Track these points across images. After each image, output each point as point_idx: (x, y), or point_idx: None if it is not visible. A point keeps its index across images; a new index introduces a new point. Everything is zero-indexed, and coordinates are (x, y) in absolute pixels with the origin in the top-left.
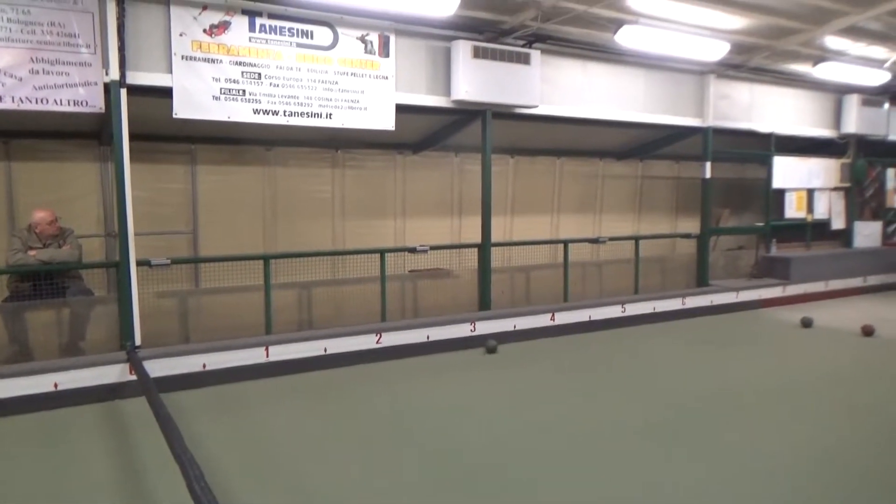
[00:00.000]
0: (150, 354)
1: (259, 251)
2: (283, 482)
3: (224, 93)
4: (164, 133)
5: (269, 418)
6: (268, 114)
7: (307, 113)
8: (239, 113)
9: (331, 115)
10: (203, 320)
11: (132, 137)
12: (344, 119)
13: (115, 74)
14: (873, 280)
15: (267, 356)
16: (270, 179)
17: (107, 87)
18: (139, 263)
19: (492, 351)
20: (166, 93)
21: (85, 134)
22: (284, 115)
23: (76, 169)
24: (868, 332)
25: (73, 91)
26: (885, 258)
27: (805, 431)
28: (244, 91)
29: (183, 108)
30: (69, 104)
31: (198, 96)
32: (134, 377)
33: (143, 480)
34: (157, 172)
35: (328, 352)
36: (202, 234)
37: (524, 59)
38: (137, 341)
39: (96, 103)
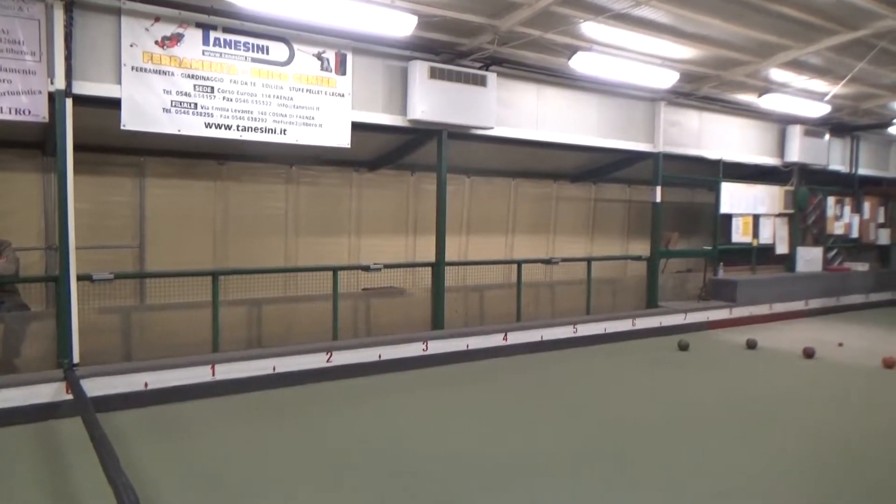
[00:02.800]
0: (88, 373)
1: (209, 267)
2: None
3: (175, 105)
4: (111, 145)
5: (213, 440)
6: (220, 128)
7: (261, 128)
8: (190, 126)
9: (285, 130)
10: (147, 337)
11: (78, 148)
12: (299, 135)
13: (60, 84)
14: (814, 303)
15: (213, 375)
16: (222, 194)
17: (52, 96)
18: (80, 278)
19: (684, 348)
20: (115, 104)
21: (28, 144)
22: (237, 129)
23: (17, 179)
24: (809, 354)
25: (16, 99)
26: (826, 282)
27: (753, 453)
28: (196, 104)
29: (132, 121)
30: (10, 112)
31: (148, 108)
32: (70, 396)
33: None
34: (103, 185)
35: (277, 371)
36: (149, 249)
37: (480, 81)
38: (75, 359)
39: (39, 112)
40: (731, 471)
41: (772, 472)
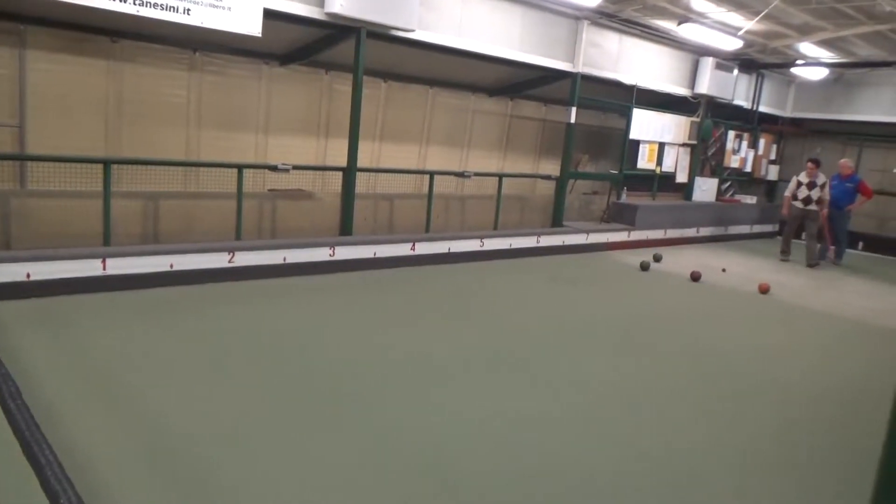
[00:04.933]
0: None
1: (100, 154)
2: (115, 402)
3: None
4: None
5: (103, 335)
6: None
7: (161, 4)
8: None
9: (189, 10)
10: (30, 225)
11: None
12: (204, 17)
13: None
14: (705, 231)
15: (104, 269)
16: (116, 76)
17: None
18: None
19: (657, 259)
20: None
21: None
22: (134, 3)
23: None
24: (695, 277)
25: None
26: (717, 212)
27: (635, 363)
28: None
29: None
30: None
31: None
32: None
33: None
34: None
35: (175, 268)
36: (31, 130)
37: None
38: None
39: None
40: (613, 376)
41: (651, 380)
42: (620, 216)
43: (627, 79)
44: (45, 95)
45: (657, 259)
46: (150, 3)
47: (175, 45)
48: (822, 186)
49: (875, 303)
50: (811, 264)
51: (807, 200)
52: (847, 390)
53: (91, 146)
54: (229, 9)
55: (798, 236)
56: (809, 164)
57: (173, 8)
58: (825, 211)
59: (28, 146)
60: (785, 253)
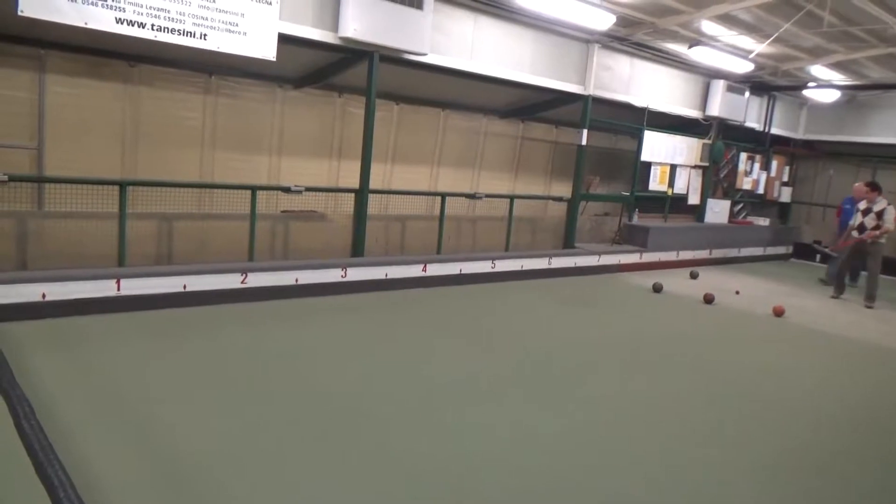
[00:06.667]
0: None
1: (116, 176)
2: (127, 423)
3: None
4: (7, 32)
5: (116, 355)
6: (133, 25)
7: (179, 30)
8: (98, 20)
9: (205, 35)
10: (45, 246)
11: None
12: (220, 42)
13: None
14: (717, 253)
15: (118, 289)
16: (133, 99)
17: None
18: None
19: (694, 276)
20: None
21: None
22: (152, 29)
23: None
24: (709, 300)
25: None
26: (730, 234)
27: (650, 385)
28: None
29: (30, 6)
30: None
31: None
32: None
33: None
34: None
35: (188, 289)
36: (49, 152)
37: (417, 4)
38: None
39: None
40: (627, 399)
41: (663, 401)
42: (632, 238)
43: (639, 101)
44: (64, 118)
45: (694, 276)
46: (168, 28)
47: (191, 68)
48: (880, 213)
49: (892, 326)
50: (868, 305)
51: (860, 228)
52: (859, 411)
53: (107, 168)
54: (245, 34)
55: (853, 271)
56: (865, 188)
57: (190, 33)
58: (883, 240)
59: (46, 168)
60: (839, 290)
